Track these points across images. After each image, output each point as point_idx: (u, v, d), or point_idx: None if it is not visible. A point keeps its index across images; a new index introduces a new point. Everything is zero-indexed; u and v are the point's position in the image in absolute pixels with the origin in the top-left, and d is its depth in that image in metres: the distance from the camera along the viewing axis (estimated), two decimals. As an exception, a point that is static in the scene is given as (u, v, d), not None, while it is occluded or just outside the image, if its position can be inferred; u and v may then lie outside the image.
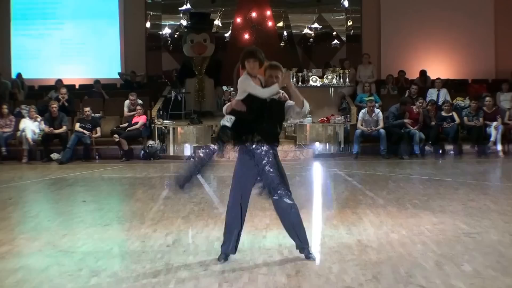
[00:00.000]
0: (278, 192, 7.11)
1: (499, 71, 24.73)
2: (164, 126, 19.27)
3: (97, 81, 22.83)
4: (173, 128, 19.19)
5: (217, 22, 25.73)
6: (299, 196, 11.52)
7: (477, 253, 7.52)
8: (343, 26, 26.68)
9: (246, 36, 24.65)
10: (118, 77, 24.52)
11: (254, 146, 7.12)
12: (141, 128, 18.97)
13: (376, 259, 7.34)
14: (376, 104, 19.33)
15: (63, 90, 20.44)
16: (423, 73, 23.16)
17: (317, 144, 18.81)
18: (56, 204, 11.68)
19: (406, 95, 20.26)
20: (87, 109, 19.19)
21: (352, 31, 26.54)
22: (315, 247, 7.82)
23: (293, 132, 19.14)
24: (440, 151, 19.04)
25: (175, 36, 25.31)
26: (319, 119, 19.13)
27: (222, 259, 7.29)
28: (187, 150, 18.61)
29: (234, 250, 7.39)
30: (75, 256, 7.65)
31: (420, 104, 18.90)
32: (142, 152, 18.66)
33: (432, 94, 20.61)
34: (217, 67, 23.04)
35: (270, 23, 24.92)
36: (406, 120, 18.50)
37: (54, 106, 19.07)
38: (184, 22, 24.65)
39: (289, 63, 21.43)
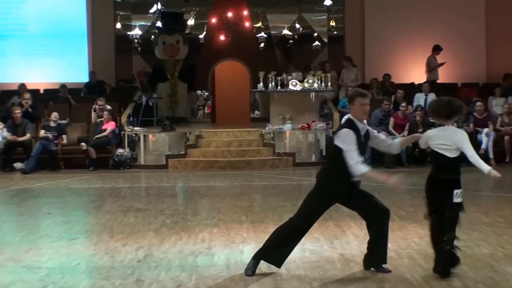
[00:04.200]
0: None
1: (490, 75, 24.77)
2: (134, 134, 19.19)
3: (63, 86, 22.65)
4: (144, 136, 19.09)
5: (191, 22, 25.73)
6: (279, 208, 11.53)
7: (467, 268, 7.58)
8: (325, 27, 26.76)
9: (222, 37, 24.60)
10: (85, 81, 24.28)
11: None
12: (109, 136, 18.87)
13: (360, 274, 7.38)
14: (360, 110, 19.32)
15: (27, 95, 20.29)
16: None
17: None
18: (20, 217, 11.63)
19: (392, 99, 20.28)
20: (55, 114, 18.99)
21: (335, 32, 26.60)
22: (295, 262, 7.85)
23: (271, 140, 19.12)
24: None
25: (150, 38, 25.21)
26: (300, 126, 19.12)
27: None
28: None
29: None
30: (39, 272, 7.64)
31: (404, 109, 18.91)
32: (111, 161, 18.58)
33: (419, 98, 20.67)
34: (191, 70, 22.99)
35: (247, 24, 24.88)
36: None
37: (17, 112, 18.93)
38: (155, 23, 24.58)
39: (268, 66, 21.39)
